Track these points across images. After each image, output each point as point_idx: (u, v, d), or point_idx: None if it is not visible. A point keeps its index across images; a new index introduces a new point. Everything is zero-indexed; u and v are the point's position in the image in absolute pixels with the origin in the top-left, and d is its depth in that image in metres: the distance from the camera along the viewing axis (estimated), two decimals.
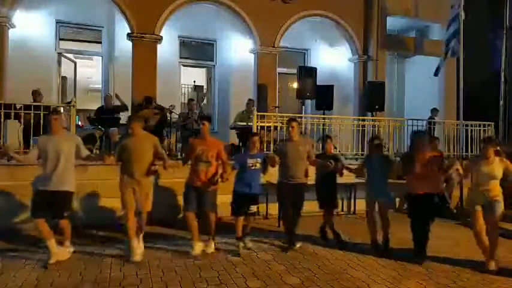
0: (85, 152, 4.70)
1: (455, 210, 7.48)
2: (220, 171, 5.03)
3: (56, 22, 9.41)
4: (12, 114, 6.65)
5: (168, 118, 7.97)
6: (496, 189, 4.58)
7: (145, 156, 4.72)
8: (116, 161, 4.82)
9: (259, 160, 5.16)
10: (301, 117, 8.44)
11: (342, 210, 7.50)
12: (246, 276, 4.27)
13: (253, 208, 5.25)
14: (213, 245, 5.08)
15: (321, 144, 6.50)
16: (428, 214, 4.88)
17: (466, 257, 4.99)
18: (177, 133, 8.36)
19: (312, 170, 5.62)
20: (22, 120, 6.56)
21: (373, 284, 4.14)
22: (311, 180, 5.56)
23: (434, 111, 10.21)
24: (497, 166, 4.56)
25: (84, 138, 7.34)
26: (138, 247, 4.75)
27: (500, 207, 4.56)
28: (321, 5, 10.23)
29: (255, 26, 9.66)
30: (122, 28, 9.11)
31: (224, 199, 5.32)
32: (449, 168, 4.92)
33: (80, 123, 9.75)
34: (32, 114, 6.55)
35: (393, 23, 11.44)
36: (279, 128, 8.15)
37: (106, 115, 7.88)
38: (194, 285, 4.01)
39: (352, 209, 7.68)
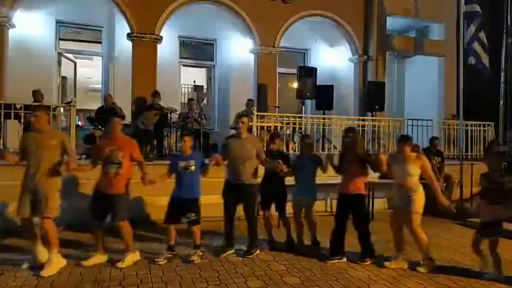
0: None
1: (455, 210, 7.49)
2: (140, 173, 4.60)
3: (56, 22, 9.41)
4: (12, 114, 6.66)
5: (168, 118, 7.97)
6: (413, 186, 4.50)
7: (49, 154, 4.22)
8: (19, 160, 4.35)
9: (192, 162, 4.71)
10: (301, 117, 8.45)
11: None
12: (246, 276, 4.27)
13: (191, 216, 4.67)
14: (130, 258, 4.52)
15: (321, 144, 6.37)
16: (356, 214, 4.80)
17: (467, 257, 4.98)
18: (177, 133, 8.37)
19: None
20: (22, 120, 6.56)
21: (373, 284, 4.14)
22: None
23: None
24: (413, 163, 4.51)
25: (84, 138, 7.37)
26: (46, 258, 4.23)
27: (416, 204, 4.48)
28: (321, 5, 10.23)
29: (255, 26, 9.65)
30: (122, 28, 9.12)
31: (164, 202, 4.91)
32: (379, 166, 4.73)
33: (80, 123, 9.78)
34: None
35: (393, 23, 11.44)
36: (279, 128, 8.17)
37: (106, 115, 7.88)
38: (194, 285, 4.01)
39: None
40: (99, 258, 4.52)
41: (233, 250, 5.00)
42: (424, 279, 4.30)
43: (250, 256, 4.88)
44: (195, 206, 4.76)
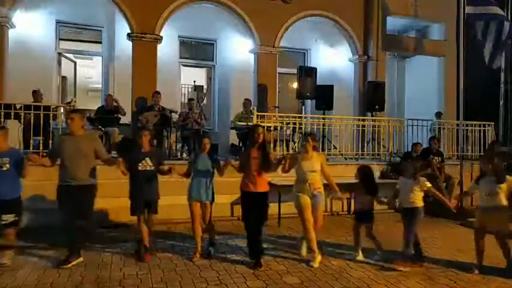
0: None
1: (455, 210, 7.47)
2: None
3: (56, 22, 9.41)
4: (12, 114, 6.66)
5: (169, 118, 7.96)
6: (317, 182, 4.88)
7: None
8: None
9: (6, 160, 4.32)
10: (301, 117, 8.45)
11: None
12: (246, 276, 4.27)
13: (9, 218, 4.31)
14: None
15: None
16: (258, 213, 4.69)
17: (467, 257, 4.98)
18: (177, 133, 8.37)
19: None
20: (22, 120, 6.56)
21: (373, 284, 4.14)
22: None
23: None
24: (315, 160, 4.90)
25: None
26: None
27: (322, 199, 4.92)
28: (321, 5, 10.23)
29: (255, 26, 9.65)
30: (122, 28, 9.12)
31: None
32: (280, 162, 4.80)
33: None
34: (32, 114, 6.57)
35: (393, 23, 11.44)
36: (279, 128, 8.17)
37: (106, 115, 7.89)
38: (194, 285, 4.01)
39: (352, 209, 7.66)
40: None
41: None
42: (424, 279, 4.30)
43: (68, 266, 4.34)
44: (14, 207, 4.40)
